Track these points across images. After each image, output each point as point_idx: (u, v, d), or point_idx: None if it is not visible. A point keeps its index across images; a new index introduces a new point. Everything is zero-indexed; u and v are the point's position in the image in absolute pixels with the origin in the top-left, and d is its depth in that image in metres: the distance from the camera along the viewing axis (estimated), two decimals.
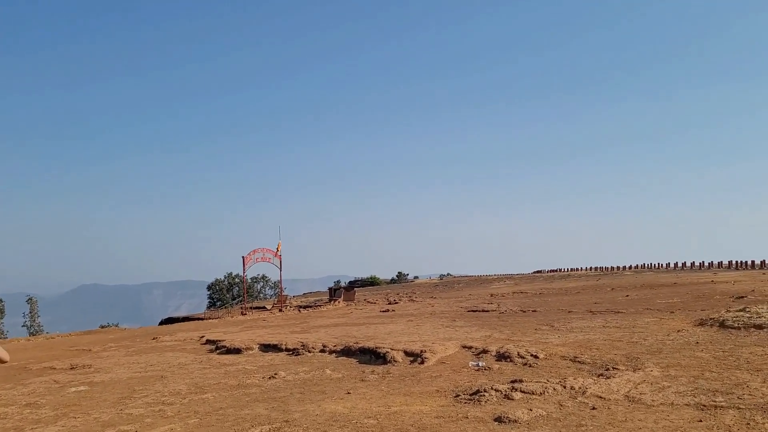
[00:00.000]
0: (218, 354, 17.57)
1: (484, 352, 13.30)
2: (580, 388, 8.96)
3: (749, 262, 56.38)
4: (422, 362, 12.72)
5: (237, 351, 17.61)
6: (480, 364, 11.91)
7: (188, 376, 13.39)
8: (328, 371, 12.60)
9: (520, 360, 12.10)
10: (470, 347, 14.24)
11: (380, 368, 12.66)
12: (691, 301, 23.61)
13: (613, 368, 10.48)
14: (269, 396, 10.46)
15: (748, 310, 15.88)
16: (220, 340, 20.03)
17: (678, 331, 14.96)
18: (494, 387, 9.21)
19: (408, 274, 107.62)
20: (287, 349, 17.01)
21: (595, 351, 12.49)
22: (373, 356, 14.12)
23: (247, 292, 78.22)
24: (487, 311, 26.74)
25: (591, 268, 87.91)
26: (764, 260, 52.89)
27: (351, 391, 10.36)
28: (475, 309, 28.29)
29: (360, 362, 13.92)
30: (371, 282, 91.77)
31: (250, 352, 17.48)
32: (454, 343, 14.99)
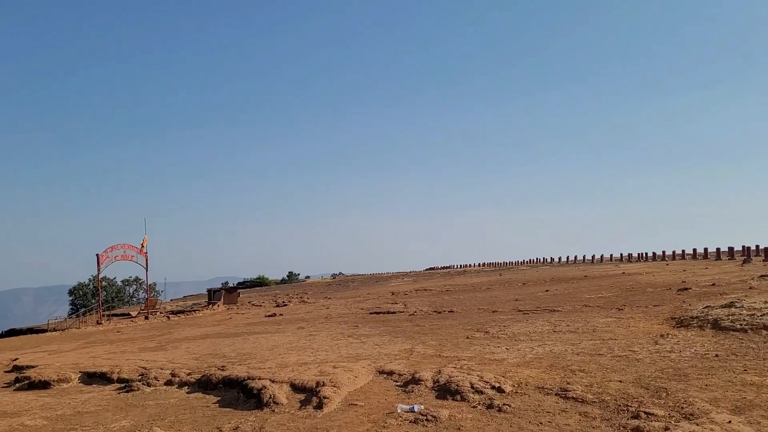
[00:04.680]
0: (13, 390, 11.80)
1: (415, 381, 8.67)
2: None
3: (643, 254, 56.27)
4: (320, 405, 7.87)
5: (44, 385, 11.95)
6: (415, 407, 7.26)
7: None
8: None
9: (477, 397, 7.58)
10: (390, 372, 9.58)
11: (251, 419, 7.67)
12: (627, 296, 20.45)
13: (645, 413, 6.20)
14: None
15: (737, 305, 12.42)
16: (30, 367, 14.15)
17: (661, 335, 11.15)
18: None
19: (299, 274, 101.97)
20: (119, 380, 11.63)
21: (581, 375, 8.23)
22: (242, 393, 9.09)
23: (117, 296, 69.54)
24: (394, 313, 22.33)
25: (482, 264, 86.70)
26: (663, 251, 52.63)
27: None
28: (378, 310, 23.79)
29: (221, 405, 8.85)
30: (259, 282, 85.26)
31: (64, 385, 11.89)
32: (364, 364, 10.27)
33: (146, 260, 35.16)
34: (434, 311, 21.36)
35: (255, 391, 8.74)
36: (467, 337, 13.31)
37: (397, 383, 8.90)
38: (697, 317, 12.22)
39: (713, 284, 20.70)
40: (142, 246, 34.95)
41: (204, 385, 10.18)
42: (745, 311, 11.70)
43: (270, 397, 8.34)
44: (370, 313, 23.07)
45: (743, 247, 44.25)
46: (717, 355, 8.86)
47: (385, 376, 9.45)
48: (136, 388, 10.56)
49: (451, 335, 13.95)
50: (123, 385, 11.14)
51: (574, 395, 7.15)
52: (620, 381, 7.67)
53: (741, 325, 10.82)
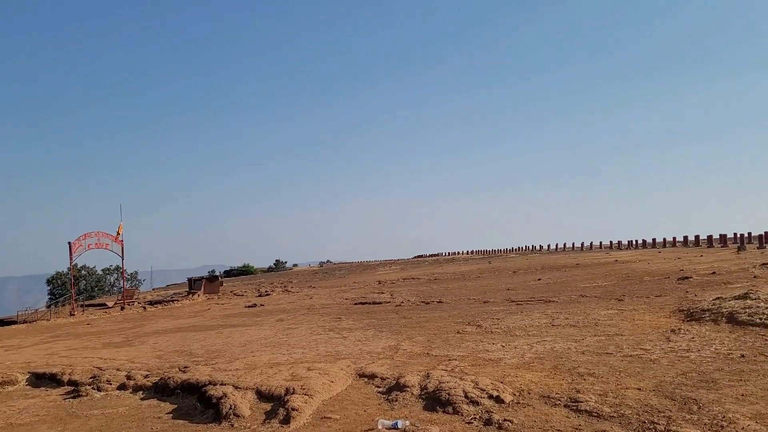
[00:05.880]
0: None
1: (400, 388, 7.51)
2: None
3: (633, 242, 55.52)
4: (287, 418, 6.69)
5: None
6: (399, 423, 6.10)
7: None
8: None
9: (472, 409, 6.44)
10: (372, 375, 8.41)
11: None
12: (624, 285, 19.45)
13: None
14: None
15: (753, 296, 11.38)
16: None
17: (672, 330, 10.09)
18: None
19: (286, 262, 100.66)
20: (70, 383, 10.40)
21: (591, 380, 7.11)
22: (200, 403, 7.91)
23: (97, 285, 67.98)
24: (380, 303, 21.21)
25: (471, 251, 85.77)
26: (654, 239, 51.90)
27: None
28: (364, 301, 22.66)
29: (176, 416, 7.66)
30: (244, 271, 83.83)
31: (9, 388, 10.68)
32: (343, 365, 9.11)
33: (122, 248, 33.72)
34: (422, 302, 20.26)
35: (214, 400, 7.55)
36: (458, 332, 12.19)
37: (380, 389, 7.74)
38: (709, 310, 11.16)
39: (713, 273, 19.74)
40: (118, 234, 33.47)
41: (161, 390, 8.97)
42: (762, 304, 10.66)
43: (230, 408, 7.15)
44: (355, 304, 21.94)
45: (735, 234, 43.59)
46: (743, 356, 7.77)
47: (365, 380, 8.28)
48: (84, 394, 9.33)
49: (441, 329, 12.82)
50: (72, 389, 9.91)
51: (588, 407, 6.02)
52: (639, 389, 6.56)
53: (761, 319, 9.76)
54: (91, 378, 10.17)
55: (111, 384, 9.65)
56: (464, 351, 9.86)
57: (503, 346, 9.98)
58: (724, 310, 10.80)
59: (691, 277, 18.75)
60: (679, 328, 10.21)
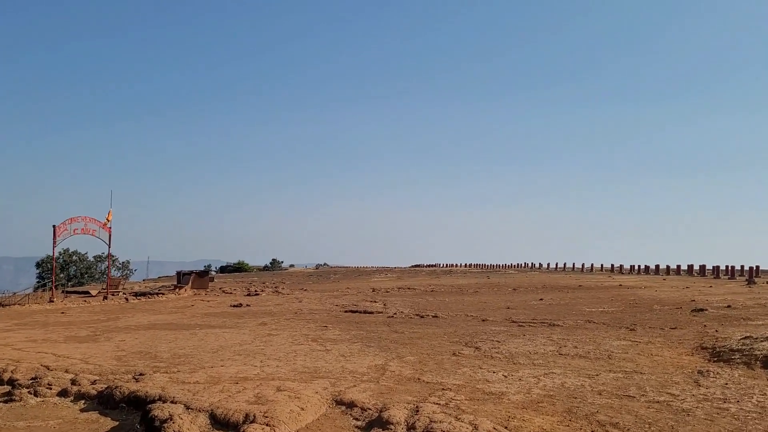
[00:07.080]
0: None
1: (382, 424, 6.22)
2: None
3: (636, 267, 54.18)
4: None
5: None
6: None
7: None
8: None
9: None
10: (351, 404, 7.11)
11: None
12: (633, 312, 18.15)
13: None
14: None
15: None
16: None
17: (699, 372, 8.80)
18: None
19: (283, 262, 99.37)
20: (9, 382, 9.10)
21: (614, 431, 5.82)
22: (142, 423, 6.62)
23: (87, 272, 66.69)
24: (371, 313, 19.91)
25: (468, 264, 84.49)
26: (657, 265, 50.53)
27: None
28: (355, 309, 21.35)
29: None
30: (239, 268, 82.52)
31: None
32: (319, 388, 7.83)
33: (109, 236, 32.42)
34: (416, 314, 18.94)
35: (157, 423, 6.25)
36: (454, 353, 10.91)
37: (358, 423, 6.45)
38: (739, 350, 9.87)
39: (729, 306, 18.44)
40: (107, 220, 32.19)
41: (105, 401, 7.69)
42: None
43: None
44: (345, 311, 20.64)
45: (742, 266, 42.40)
46: None
47: (343, 408, 6.98)
48: (18, 398, 8.04)
49: (435, 349, 11.53)
50: (7, 390, 8.62)
51: None
52: None
53: None
54: (31, 379, 8.89)
55: (51, 388, 8.36)
56: (461, 379, 8.57)
57: (506, 377, 8.70)
58: (758, 352, 9.51)
59: (706, 310, 17.44)
60: (707, 370, 8.92)
